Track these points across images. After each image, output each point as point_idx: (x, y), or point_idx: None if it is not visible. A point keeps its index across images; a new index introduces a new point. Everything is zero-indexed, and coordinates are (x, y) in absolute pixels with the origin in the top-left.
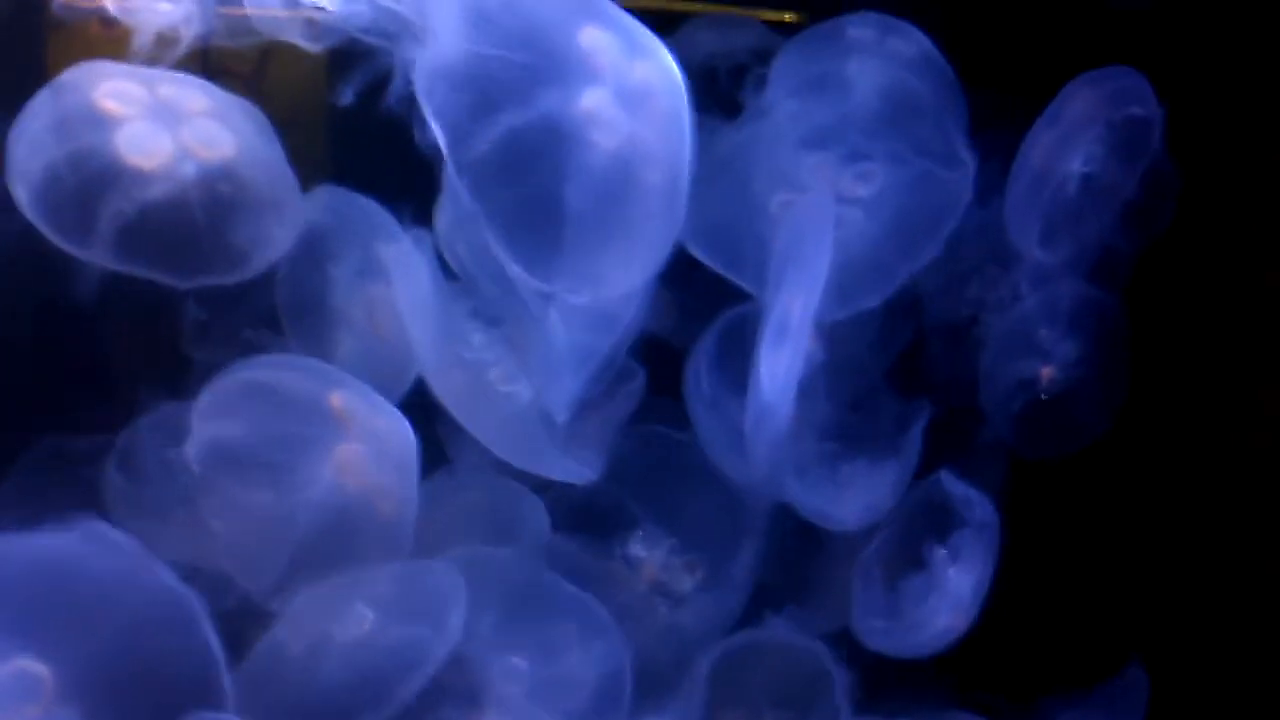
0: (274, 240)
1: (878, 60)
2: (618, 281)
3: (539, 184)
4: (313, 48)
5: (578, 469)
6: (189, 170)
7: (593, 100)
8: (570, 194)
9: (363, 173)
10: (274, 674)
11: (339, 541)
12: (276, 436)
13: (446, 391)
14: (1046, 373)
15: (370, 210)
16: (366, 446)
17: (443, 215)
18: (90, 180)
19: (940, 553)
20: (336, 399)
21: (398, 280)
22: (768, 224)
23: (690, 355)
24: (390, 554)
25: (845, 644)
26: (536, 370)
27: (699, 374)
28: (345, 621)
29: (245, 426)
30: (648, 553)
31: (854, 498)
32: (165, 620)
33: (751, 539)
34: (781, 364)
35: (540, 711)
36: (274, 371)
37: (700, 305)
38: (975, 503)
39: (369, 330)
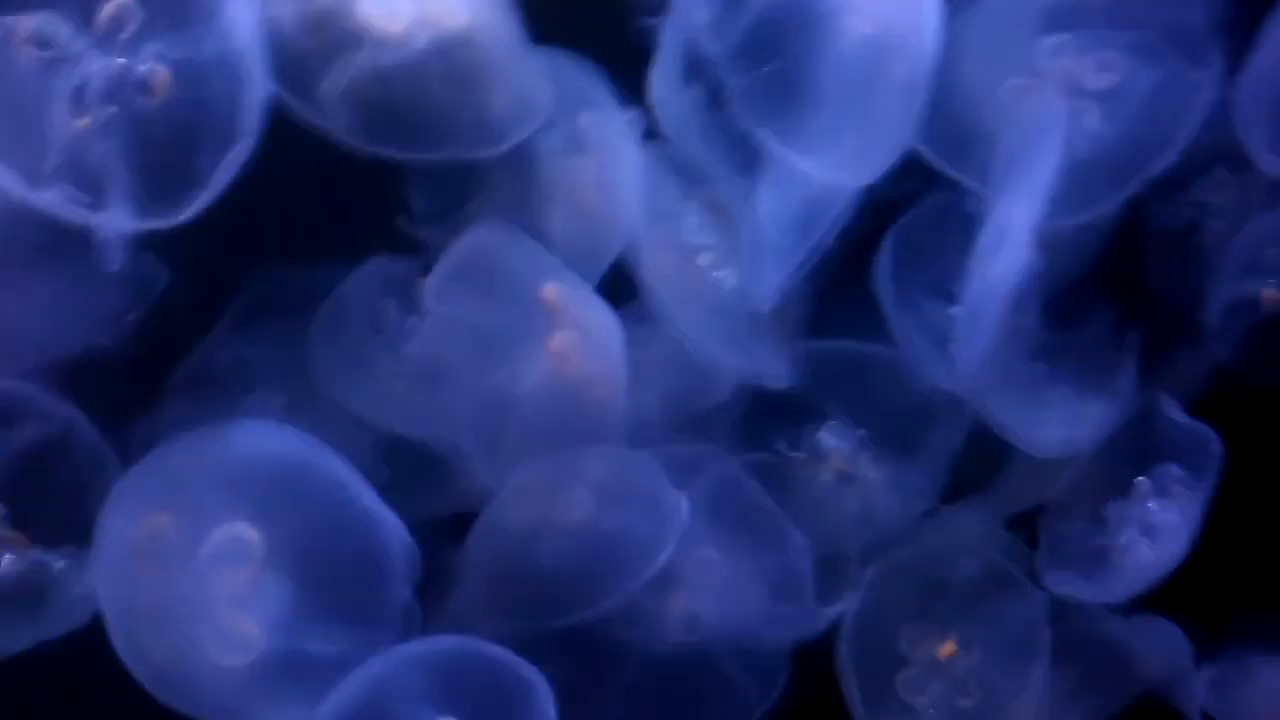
0: (509, 114)
1: None
2: (856, 170)
3: (788, 66)
4: None
5: (777, 362)
6: (428, 38)
7: None
8: (818, 77)
9: (570, 45)
10: (496, 553)
11: (553, 429)
12: (493, 325)
13: (651, 272)
14: (1272, 292)
15: (579, 79)
16: (578, 335)
17: (662, 92)
18: (328, 43)
19: (1144, 483)
20: (549, 289)
21: (605, 154)
22: (997, 111)
23: (881, 247)
24: (603, 441)
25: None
26: (744, 258)
27: (890, 268)
28: (565, 504)
29: (465, 313)
30: (836, 443)
31: (1056, 425)
32: (362, 526)
33: (943, 435)
34: (998, 272)
35: (730, 601)
36: (492, 260)
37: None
38: (1192, 432)
39: (574, 204)
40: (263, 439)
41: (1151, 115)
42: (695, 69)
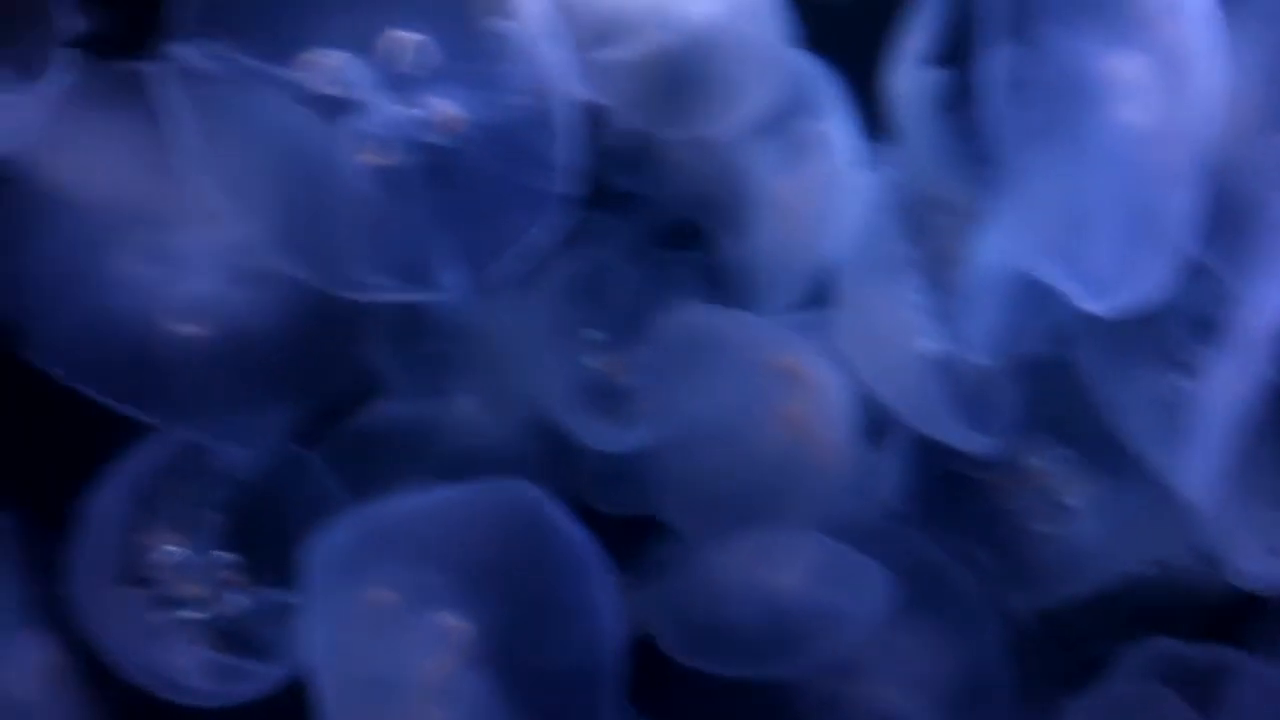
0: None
1: None
2: (1117, 298)
3: (1055, 156)
4: None
5: (978, 439)
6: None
7: (1125, 66)
8: (1084, 175)
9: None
10: (699, 595)
11: (775, 494)
12: (724, 389)
13: (850, 325)
14: None
15: (813, 84)
16: (811, 403)
17: (905, 78)
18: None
19: None
20: (783, 355)
21: (826, 174)
22: (1257, 174)
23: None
24: (824, 509)
25: None
26: (963, 307)
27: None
28: (776, 568)
29: (694, 378)
30: (1038, 463)
31: (1262, 553)
32: (580, 611)
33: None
34: (1240, 381)
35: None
36: (720, 323)
37: None
38: None
39: (783, 222)
40: (503, 518)
41: None
42: (949, 58)
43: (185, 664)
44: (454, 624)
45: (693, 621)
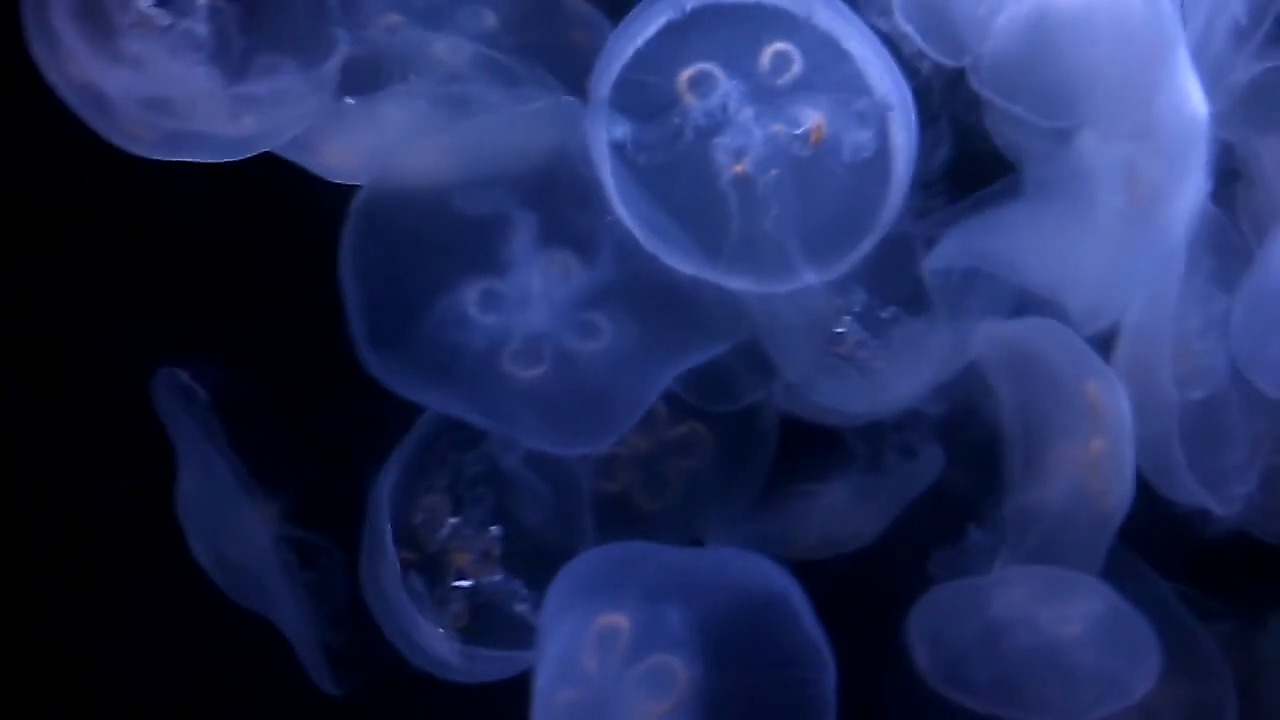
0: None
1: None
2: None
3: None
4: None
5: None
6: None
7: None
8: None
9: None
10: (961, 619)
11: (1053, 532)
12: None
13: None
14: None
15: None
16: (1110, 445)
17: None
18: None
19: None
20: (1094, 388)
21: (1176, 149)
22: None
23: None
24: (1094, 555)
25: None
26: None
27: None
28: (1057, 611)
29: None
30: None
31: None
32: (798, 680)
33: None
34: None
35: None
36: (1042, 357)
37: None
38: None
39: (1125, 199)
40: (746, 591)
41: None
42: None
43: (438, 632)
44: (673, 670)
45: (957, 649)
